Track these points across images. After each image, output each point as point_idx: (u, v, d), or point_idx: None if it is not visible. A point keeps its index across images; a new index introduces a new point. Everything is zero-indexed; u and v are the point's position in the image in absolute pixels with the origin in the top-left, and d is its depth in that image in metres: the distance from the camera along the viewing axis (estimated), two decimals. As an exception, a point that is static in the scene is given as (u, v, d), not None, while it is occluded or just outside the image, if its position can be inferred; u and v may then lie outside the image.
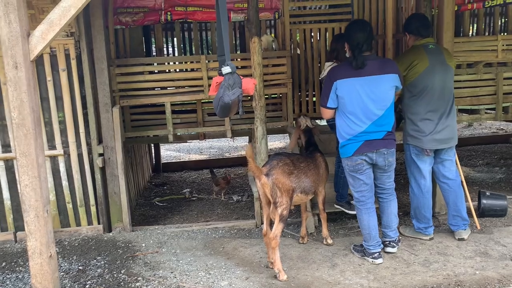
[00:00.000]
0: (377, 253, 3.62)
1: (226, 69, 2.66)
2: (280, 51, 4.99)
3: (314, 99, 5.41)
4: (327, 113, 3.61)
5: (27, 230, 2.54)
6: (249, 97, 4.71)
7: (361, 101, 3.39)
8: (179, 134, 5.10)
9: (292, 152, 4.27)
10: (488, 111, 5.31)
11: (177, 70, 5.10)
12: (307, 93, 5.41)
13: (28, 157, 2.47)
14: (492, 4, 5.14)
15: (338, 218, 4.68)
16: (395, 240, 3.78)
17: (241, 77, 2.76)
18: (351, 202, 4.45)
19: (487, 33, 6.54)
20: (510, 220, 4.40)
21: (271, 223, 3.55)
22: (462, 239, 3.93)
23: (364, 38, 3.41)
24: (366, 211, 3.64)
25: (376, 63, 3.46)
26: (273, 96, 5.43)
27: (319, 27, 5.27)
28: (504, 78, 5.16)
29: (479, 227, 4.19)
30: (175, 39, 6.20)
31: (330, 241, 4.01)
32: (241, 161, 7.63)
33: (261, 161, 4.42)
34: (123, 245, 4.18)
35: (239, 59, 5.03)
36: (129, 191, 4.97)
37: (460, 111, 5.42)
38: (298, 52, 5.31)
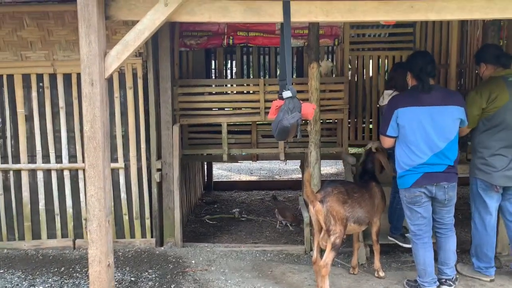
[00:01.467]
0: (432, 291, 3.46)
1: (287, 93, 2.71)
2: (338, 77, 5.00)
3: (371, 126, 5.33)
4: (387, 142, 3.54)
5: (89, 238, 2.68)
6: (305, 121, 4.73)
7: (423, 131, 3.31)
8: (233, 154, 5.19)
9: (346, 180, 4.21)
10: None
11: (235, 92, 5.23)
12: (363, 120, 5.34)
13: (95, 168, 2.62)
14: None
15: (391, 250, 4.53)
16: (452, 278, 3.60)
17: (301, 102, 2.79)
18: (406, 234, 4.32)
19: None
20: None
21: (321, 251, 3.51)
22: (527, 284, 3.68)
23: (427, 63, 3.37)
24: (423, 245, 3.50)
25: (440, 93, 3.39)
26: (328, 121, 5.42)
27: (379, 54, 5.24)
28: None
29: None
30: (234, 62, 6.38)
31: (382, 274, 3.89)
32: (291, 185, 7.63)
33: (314, 186, 4.39)
34: (173, 260, 4.27)
35: (295, 84, 5.07)
36: (181, 207, 5.10)
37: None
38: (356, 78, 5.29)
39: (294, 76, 6.33)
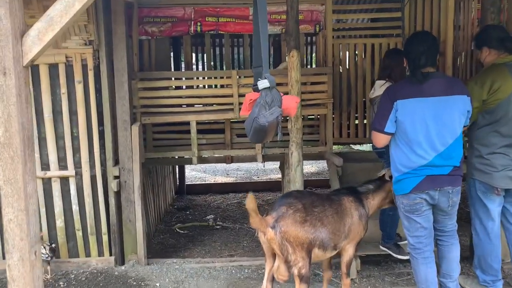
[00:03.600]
0: (436, 313, 2.96)
1: (263, 83, 2.12)
2: (321, 68, 4.46)
3: (357, 121, 4.81)
4: (382, 140, 2.96)
5: (8, 276, 2.05)
6: (285, 117, 4.17)
7: (426, 127, 2.78)
8: (204, 156, 4.58)
9: (302, 190, 3.54)
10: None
11: (206, 86, 4.62)
12: (349, 115, 4.81)
13: (14, 185, 1.99)
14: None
15: (383, 260, 4.02)
16: None
17: (281, 94, 2.21)
18: (399, 243, 3.83)
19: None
20: None
21: (273, 279, 2.93)
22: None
23: (423, 50, 2.83)
24: (424, 261, 2.99)
25: (443, 82, 2.86)
26: (310, 117, 4.88)
27: (365, 42, 4.71)
28: None
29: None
30: (205, 54, 5.75)
31: None
32: (271, 186, 7.09)
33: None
34: (134, 283, 3.66)
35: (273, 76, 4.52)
36: (148, 216, 4.49)
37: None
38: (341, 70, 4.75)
39: (271, 68, 5.77)
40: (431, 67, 2.86)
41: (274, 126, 2.17)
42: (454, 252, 3.11)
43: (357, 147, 7.58)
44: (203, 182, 7.70)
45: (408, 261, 3.76)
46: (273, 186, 6.95)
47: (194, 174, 8.33)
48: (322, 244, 2.86)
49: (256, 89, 2.19)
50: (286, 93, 3.86)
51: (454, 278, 3.10)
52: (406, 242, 3.88)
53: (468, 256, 3.83)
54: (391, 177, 3.07)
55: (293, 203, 2.83)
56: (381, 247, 3.83)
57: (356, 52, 4.80)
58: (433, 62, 2.88)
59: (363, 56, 4.70)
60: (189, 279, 3.74)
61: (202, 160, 4.65)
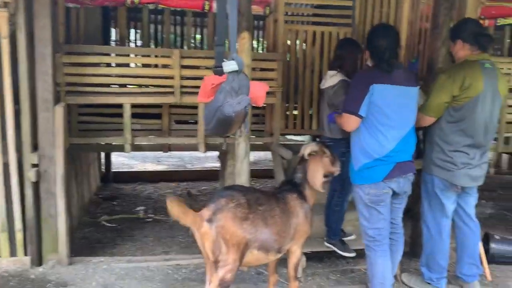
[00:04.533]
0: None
1: (230, 65, 1.78)
2: (272, 53, 4.18)
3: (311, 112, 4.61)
4: (353, 123, 2.83)
5: None
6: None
7: (396, 114, 2.79)
8: (138, 144, 4.13)
9: (248, 187, 3.18)
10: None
11: (142, 65, 4.15)
12: (295, 105, 4.61)
13: None
14: (504, 23, 4.62)
15: (326, 257, 3.90)
16: None
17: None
18: (345, 239, 3.73)
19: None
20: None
21: None
22: (478, 293, 3.30)
23: (388, 44, 2.82)
24: (383, 253, 2.95)
25: (404, 73, 2.91)
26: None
27: (314, 30, 4.50)
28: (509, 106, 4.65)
29: (489, 278, 3.57)
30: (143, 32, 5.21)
31: None
32: (206, 175, 6.76)
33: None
34: (55, 288, 3.18)
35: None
36: (69, 209, 3.96)
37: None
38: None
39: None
40: (394, 59, 2.85)
41: (241, 117, 1.84)
42: (401, 248, 3.12)
43: (290, 137, 7.47)
44: (132, 170, 7.15)
45: (351, 258, 3.69)
46: (209, 176, 6.62)
47: (121, 160, 7.71)
48: (263, 247, 2.57)
49: (218, 72, 1.84)
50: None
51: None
52: (351, 238, 3.82)
53: (408, 251, 3.82)
54: (309, 154, 2.86)
55: (235, 196, 2.51)
56: (326, 244, 3.70)
57: (305, 40, 4.58)
58: (396, 55, 2.87)
59: (313, 45, 4.49)
60: (119, 282, 3.33)
61: (136, 148, 4.18)
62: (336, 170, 2.96)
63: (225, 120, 1.82)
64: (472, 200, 3.25)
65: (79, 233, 4.47)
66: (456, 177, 3.06)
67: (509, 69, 4.53)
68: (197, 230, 2.44)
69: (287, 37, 4.38)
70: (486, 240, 3.91)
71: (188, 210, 2.38)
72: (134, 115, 4.03)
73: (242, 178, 3.61)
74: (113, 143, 4.15)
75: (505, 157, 6.97)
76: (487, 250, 3.78)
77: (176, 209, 2.32)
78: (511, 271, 3.76)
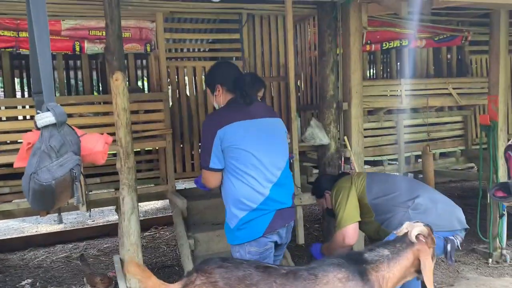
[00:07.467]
0: None
1: (44, 118, 1.36)
2: (155, 93, 3.83)
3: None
4: (211, 178, 2.46)
5: None
6: (114, 154, 3.41)
7: (263, 150, 2.40)
8: (7, 210, 3.49)
9: (235, 259, 2.32)
10: (392, 162, 4.83)
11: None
12: (192, 146, 4.27)
13: None
14: (389, 47, 4.74)
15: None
16: None
17: (79, 132, 1.48)
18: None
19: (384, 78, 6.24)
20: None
21: None
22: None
23: (237, 73, 2.60)
24: None
25: (262, 105, 2.68)
26: (148, 149, 4.20)
27: (204, 65, 4.26)
28: (405, 126, 4.73)
29: None
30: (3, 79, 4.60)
31: None
32: (109, 230, 6.07)
33: (130, 247, 3.10)
34: None
35: (97, 104, 3.74)
36: None
37: (365, 162, 4.83)
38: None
39: (96, 93, 4.91)
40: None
41: (67, 184, 1.40)
42: None
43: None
44: (20, 235, 6.25)
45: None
46: (112, 231, 5.93)
47: (10, 224, 6.77)
48: None
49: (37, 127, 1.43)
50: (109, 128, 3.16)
51: None
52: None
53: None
54: (418, 236, 2.11)
55: (209, 271, 1.95)
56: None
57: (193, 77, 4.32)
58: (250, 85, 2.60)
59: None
60: None
61: (5, 216, 3.54)
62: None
63: (42, 192, 1.39)
64: None
65: None
66: None
67: (399, 90, 4.58)
68: None
69: (175, 75, 4.07)
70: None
71: (150, 274, 1.94)
72: (2, 177, 3.42)
73: (132, 238, 3.15)
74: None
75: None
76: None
77: (133, 270, 1.92)
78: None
